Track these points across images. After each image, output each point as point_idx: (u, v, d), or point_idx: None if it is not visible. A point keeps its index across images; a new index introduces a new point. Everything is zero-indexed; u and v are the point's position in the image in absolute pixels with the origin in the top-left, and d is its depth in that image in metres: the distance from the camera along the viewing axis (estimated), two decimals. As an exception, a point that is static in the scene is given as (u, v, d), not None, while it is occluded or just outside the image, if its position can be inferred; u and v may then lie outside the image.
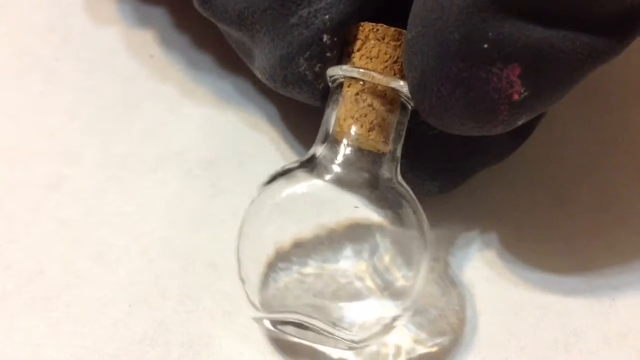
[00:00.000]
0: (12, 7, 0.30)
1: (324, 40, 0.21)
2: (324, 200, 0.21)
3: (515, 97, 0.18)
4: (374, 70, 0.20)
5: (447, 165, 0.23)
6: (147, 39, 0.29)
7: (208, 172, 0.26)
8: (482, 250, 0.24)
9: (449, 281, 0.23)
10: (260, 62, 0.22)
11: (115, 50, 0.29)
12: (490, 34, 0.18)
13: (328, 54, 0.21)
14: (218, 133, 0.26)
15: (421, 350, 0.22)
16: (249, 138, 0.26)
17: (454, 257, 0.24)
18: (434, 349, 0.22)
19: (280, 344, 0.22)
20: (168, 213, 0.25)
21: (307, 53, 0.21)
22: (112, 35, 0.29)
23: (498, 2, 0.18)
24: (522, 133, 0.23)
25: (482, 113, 0.19)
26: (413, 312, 0.22)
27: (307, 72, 0.21)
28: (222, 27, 0.23)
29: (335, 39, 0.21)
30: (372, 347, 0.22)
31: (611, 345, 0.22)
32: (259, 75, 0.23)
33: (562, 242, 0.24)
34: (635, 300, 0.23)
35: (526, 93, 0.18)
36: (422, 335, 0.22)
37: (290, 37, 0.21)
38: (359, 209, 0.20)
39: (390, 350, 0.22)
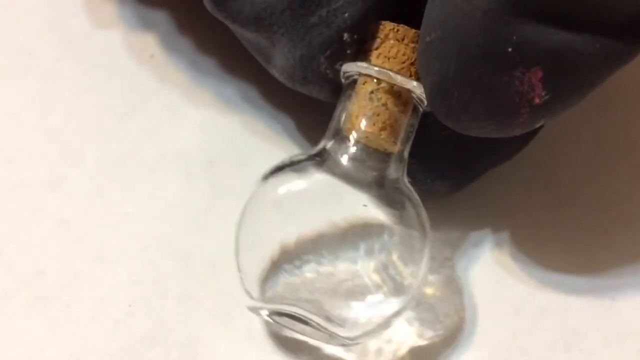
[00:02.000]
0: (12, 7, 0.30)
1: (345, 38, 0.21)
2: (331, 196, 0.21)
3: (537, 100, 0.18)
4: (391, 70, 0.20)
5: (456, 166, 0.23)
6: (147, 40, 0.29)
7: (208, 172, 0.26)
8: (482, 250, 0.24)
9: (449, 281, 0.23)
10: (279, 62, 0.22)
11: (115, 50, 0.29)
12: (513, 37, 0.18)
13: (348, 52, 0.21)
14: (218, 134, 0.26)
15: (422, 347, 0.22)
16: (250, 139, 0.26)
17: (453, 257, 0.24)
18: (435, 349, 0.22)
19: (280, 344, 0.22)
20: (168, 213, 0.25)
21: (328, 52, 0.21)
22: (112, 35, 0.29)
23: (520, 6, 0.18)
24: (530, 132, 0.23)
25: (502, 117, 0.19)
26: (410, 311, 0.22)
27: (327, 71, 0.21)
28: (236, 28, 0.23)
29: (355, 37, 0.21)
30: (375, 344, 0.22)
31: (611, 345, 0.22)
32: (277, 75, 0.23)
33: (562, 242, 0.24)
34: (635, 300, 0.23)
35: (547, 96, 0.18)
36: (423, 334, 0.22)
37: (310, 37, 0.21)
38: (366, 207, 0.20)
39: (392, 347, 0.22)
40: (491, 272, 0.24)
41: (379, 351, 0.22)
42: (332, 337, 0.20)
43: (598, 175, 0.26)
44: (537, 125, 0.20)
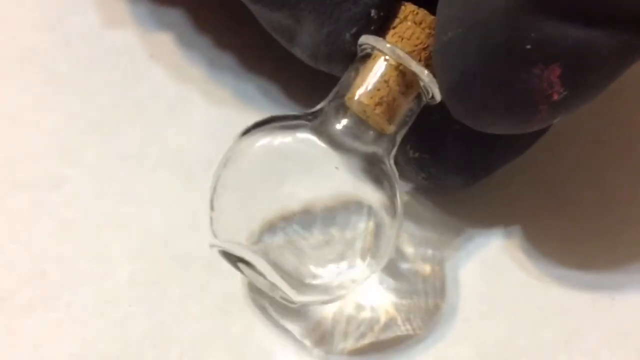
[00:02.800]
0: (12, 7, 0.30)
1: (372, 14, 0.21)
2: (312, 157, 0.21)
3: (555, 97, 0.19)
4: (401, 50, 0.20)
5: (470, 160, 0.23)
6: (147, 39, 0.29)
7: (208, 172, 0.26)
8: (482, 250, 0.24)
9: (449, 282, 0.23)
10: (303, 40, 0.22)
11: (115, 50, 0.29)
12: (532, 35, 0.18)
13: (372, 28, 0.21)
14: (218, 133, 0.26)
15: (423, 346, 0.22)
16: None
17: (454, 257, 0.24)
18: (435, 349, 0.22)
19: (280, 344, 0.22)
20: (168, 213, 0.25)
21: (355, 29, 0.21)
22: (112, 35, 0.29)
23: (539, 4, 0.18)
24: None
25: (521, 114, 0.19)
26: (407, 311, 0.22)
27: (352, 48, 0.21)
28: (257, 8, 0.23)
29: (382, 14, 0.21)
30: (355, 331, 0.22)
31: (611, 345, 0.22)
32: (299, 53, 0.23)
33: (562, 242, 0.24)
34: (635, 300, 0.23)
35: (565, 93, 0.19)
36: (424, 334, 0.22)
37: (338, 14, 0.21)
38: (339, 171, 0.20)
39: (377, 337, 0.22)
40: (491, 272, 0.24)
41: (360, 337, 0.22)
42: (280, 294, 0.21)
43: (598, 176, 0.26)
44: (555, 122, 0.20)
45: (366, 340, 0.22)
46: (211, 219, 0.21)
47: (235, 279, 0.23)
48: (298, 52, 0.23)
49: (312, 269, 0.20)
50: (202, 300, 0.23)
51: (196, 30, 0.29)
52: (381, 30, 0.21)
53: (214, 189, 0.21)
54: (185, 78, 0.28)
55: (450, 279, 0.24)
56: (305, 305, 0.22)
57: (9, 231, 0.24)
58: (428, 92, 0.21)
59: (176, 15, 0.30)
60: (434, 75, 0.20)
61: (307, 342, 0.22)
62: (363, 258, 0.20)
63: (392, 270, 0.23)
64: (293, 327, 0.22)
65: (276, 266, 0.20)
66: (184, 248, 0.24)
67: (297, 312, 0.22)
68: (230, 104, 0.27)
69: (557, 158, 0.26)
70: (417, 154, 0.23)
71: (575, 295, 0.23)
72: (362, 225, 0.20)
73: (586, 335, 0.22)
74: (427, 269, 0.24)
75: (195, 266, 0.23)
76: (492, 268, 0.24)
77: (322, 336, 0.22)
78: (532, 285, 0.23)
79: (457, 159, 0.23)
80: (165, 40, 0.29)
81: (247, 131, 0.21)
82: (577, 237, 0.24)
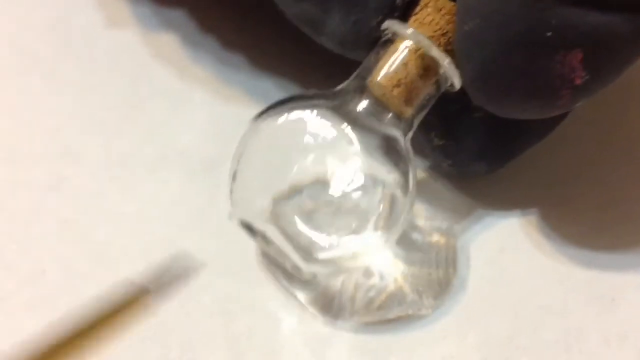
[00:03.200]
0: (12, 7, 0.30)
1: (396, 2, 0.21)
2: (330, 133, 0.21)
3: (578, 81, 0.19)
4: (421, 35, 0.21)
5: (495, 145, 0.24)
6: (147, 39, 0.29)
7: (209, 172, 0.26)
8: (482, 250, 0.24)
9: (449, 281, 0.23)
10: (329, 29, 0.23)
11: (115, 50, 0.29)
12: (553, 22, 0.19)
13: (396, 15, 0.22)
14: (220, 133, 0.26)
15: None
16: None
17: (466, 235, 0.24)
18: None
19: (280, 344, 0.22)
20: (169, 213, 0.25)
21: (381, 17, 0.22)
22: (112, 35, 0.29)
23: None
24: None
25: (544, 100, 0.20)
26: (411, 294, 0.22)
27: (378, 34, 0.22)
28: (282, 1, 0.24)
29: (405, 1, 0.21)
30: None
31: (611, 345, 0.22)
32: (325, 41, 0.23)
33: (561, 241, 0.24)
34: (635, 300, 0.23)
35: (587, 77, 0.19)
36: (432, 307, 0.23)
37: (365, 2, 0.22)
38: (356, 149, 0.21)
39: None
40: (491, 272, 0.24)
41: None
42: (287, 261, 0.21)
43: (598, 175, 0.26)
44: (577, 106, 0.20)
45: (373, 308, 0.23)
46: (231, 189, 0.21)
47: (235, 278, 0.23)
48: (324, 41, 0.23)
49: (325, 240, 0.21)
50: (202, 300, 0.23)
51: (196, 30, 0.29)
52: (404, 17, 0.22)
53: (238, 161, 0.21)
54: (185, 78, 0.28)
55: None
56: (315, 276, 0.22)
57: (9, 231, 0.24)
58: (447, 79, 0.21)
59: (177, 15, 0.30)
60: (453, 62, 0.21)
61: (313, 309, 0.22)
62: (375, 231, 0.21)
63: (404, 241, 0.24)
64: (300, 294, 0.23)
65: (288, 236, 0.21)
66: (184, 248, 0.24)
67: (305, 281, 0.23)
68: (232, 103, 0.27)
69: (556, 158, 0.26)
70: (442, 142, 0.24)
71: (575, 295, 0.23)
72: (376, 201, 0.21)
73: (586, 335, 0.22)
74: (440, 241, 0.24)
75: (195, 266, 0.23)
76: (491, 268, 0.24)
77: (329, 304, 0.23)
78: (532, 284, 0.23)
79: (481, 145, 0.24)
80: (165, 40, 0.29)
81: (268, 109, 0.22)
82: (577, 237, 0.24)
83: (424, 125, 0.23)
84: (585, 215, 0.25)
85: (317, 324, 0.22)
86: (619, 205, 0.25)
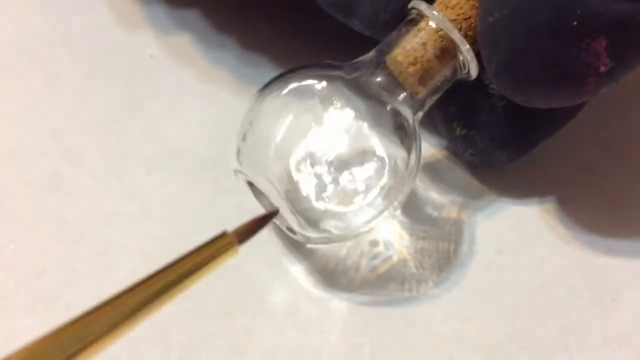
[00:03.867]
0: (12, 7, 0.30)
1: None
2: (341, 104, 0.21)
3: (602, 68, 0.20)
4: (443, 16, 0.21)
5: (515, 134, 0.24)
6: (147, 39, 0.29)
7: (209, 172, 0.26)
8: (482, 250, 0.24)
9: (448, 282, 0.23)
10: (361, 10, 0.23)
11: (115, 50, 0.29)
12: (578, 11, 0.19)
13: None
14: (219, 133, 0.26)
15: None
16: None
17: (472, 217, 0.25)
18: (435, 350, 0.22)
19: (280, 344, 0.22)
20: (168, 213, 0.25)
21: None
22: (112, 35, 0.29)
23: None
24: None
25: (570, 88, 0.20)
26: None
27: (406, 14, 0.22)
28: None
29: None
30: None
31: (611, 345, 0.22)
32: (356, 24, 0.24)
33: (561, 241, 0.24)
34: (635, 300, 0.23)
35: (612, 64, 0.20)
36: (434, 281, 0.23)
37: None
38: (365, 121, 0.21)
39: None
40: (491, 272, 0.24)
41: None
42: (283, 222, 0.22)
43: (598, 175, 0.26)
44: (601, 92, 0.20)
45: (376, 275, 0.23)
46: (239, 149, 0.22)
47: (236, 278, 0.23)
48: (355, 23, 0.24)
49: (325, 206, 0.21)
50: (202, 301, 0.23)
51: (197, 29, 0.29)
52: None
53: (250, 123, 0.22)
54: (185, 78, 0.28)
55: (450, 279, 0.24)
56: (312, 243, 0.23)
57: (9, 231, 0.24)
58: (464, 66, 0.22)
59: (177, 15, 0.30)
60: (472, 50, 0.21)
61: (314, 279, 0.23)
62: (374, 202, 0.21)
63: (413, 215, 0.24)
64: (302, 263, 0.23)
65: (290, 199, 0.21)
66: (184, 248, 0.24)
67: (307, 250, 0.23)
68: (232, 103, 0.27)
69: (556, 158, 0.26)
70: (464, 131, 0.24)
71: (575, 295, 0.23)
72: (380, 171, 0.21)
73: (586, 335, 0.22)
74: (451, 216, 0.24)
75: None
76: (491, 267, 0.24)
77: (331, 272, 0.23)
78: (532, 284, 0.23)
79: (503, 134, 0.24)
80: (165, 40, 0.29)
81: (282, 75, 0.22)
82: (577, 237, 0.24)
83: (446, 116, 0.23)
84: (585, 216, 0.25)
85: (317, 324, 0.22)
86: (618, 205, 0.25)
